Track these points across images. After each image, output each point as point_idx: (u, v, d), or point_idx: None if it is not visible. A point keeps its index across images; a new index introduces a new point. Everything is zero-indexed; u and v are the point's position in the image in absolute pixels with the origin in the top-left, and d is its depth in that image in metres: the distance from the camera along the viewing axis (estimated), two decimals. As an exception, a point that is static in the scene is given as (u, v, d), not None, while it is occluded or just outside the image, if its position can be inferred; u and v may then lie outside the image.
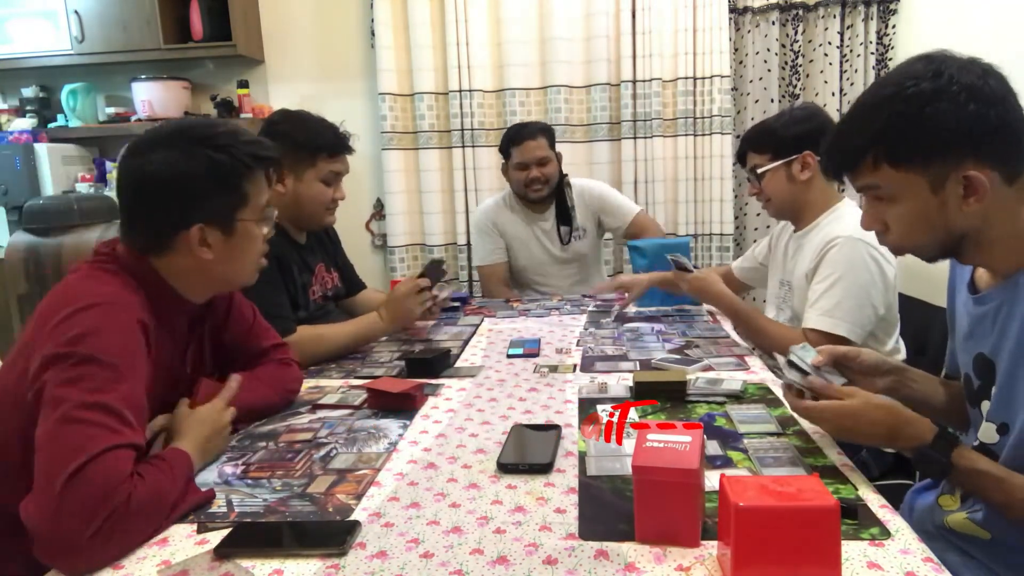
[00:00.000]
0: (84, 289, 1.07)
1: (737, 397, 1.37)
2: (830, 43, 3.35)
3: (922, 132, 0.98)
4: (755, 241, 3.54)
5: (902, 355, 1.81)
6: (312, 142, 1.86)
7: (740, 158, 1.96)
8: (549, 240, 2.76)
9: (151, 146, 1.14)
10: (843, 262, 1.67)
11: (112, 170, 3.40)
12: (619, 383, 1.50)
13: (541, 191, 2.66)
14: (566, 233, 2.73)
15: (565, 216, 2.72)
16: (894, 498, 1.02)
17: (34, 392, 0.98)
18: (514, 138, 2.63)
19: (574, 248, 2.76)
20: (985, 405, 1.08)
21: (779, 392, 1.40)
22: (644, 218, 2.79)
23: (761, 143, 1.87)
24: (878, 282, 1.68)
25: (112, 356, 1.00)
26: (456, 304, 2.38)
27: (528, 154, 2.60)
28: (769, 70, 3.42)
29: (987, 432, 1.06)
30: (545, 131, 2.66)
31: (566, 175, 2.75)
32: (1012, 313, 1.01)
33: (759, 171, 1.86)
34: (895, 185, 1.02)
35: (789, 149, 1.81)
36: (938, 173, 0.99)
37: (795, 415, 1.20)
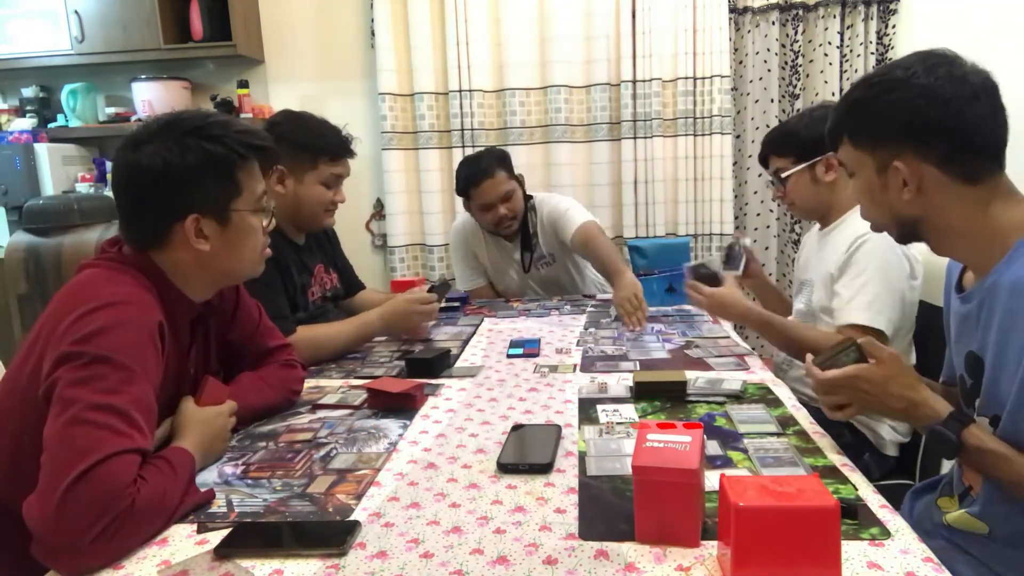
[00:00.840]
0: (99, 288, 1.07)
1: (737, 397, 1.37)
2: (830, 43, 3.35)
3: (873, 116, 1.08)
4: (755, 241, 3.56)
5: (912, 356, 1.80)
6: (314, 144, 1.85)
7: (762, 161, 1.93)
8: (522, 267, 2.64)
9: (143, 139, 1.14)
10: (876, 257, 1.64)
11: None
12: (619, 383, 1.50)
13: (511, 227, 2.50)
14: (527, 260, 2.59)
15: (527, 242, 2.57)
16: (894, 499, 1.02)
17: (45, 389, 0.98)
18: (470, 179, 2.42)
19: (543, 276, 2.64)
20: (979, 403, 1.08)
21: (779, 392, 1.40)
22: (590, 227, 2.37)
23: (783, 146, 1.83)
24: (907, 279, 1.66)
25: (125, 356, 1.00)
26: (456, 304, 2.38)
27: (490, 194, 2.41)
28: (769, 70, 3.42)
29: (982, 427, 1.07)
30: (500, 161, 2.46)
31: (531, 198, 2.57)
32: (993, 308, 1.03)
33: (783, 175, 1.83)
34: (852, 161, 1.13)
35: (812, 151, 1.77)
36: (881, 158, 1.08)
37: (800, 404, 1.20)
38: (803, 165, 1.79)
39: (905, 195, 1.06)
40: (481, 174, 2.40)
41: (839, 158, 1.17)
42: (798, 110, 3.42)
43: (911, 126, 1.04)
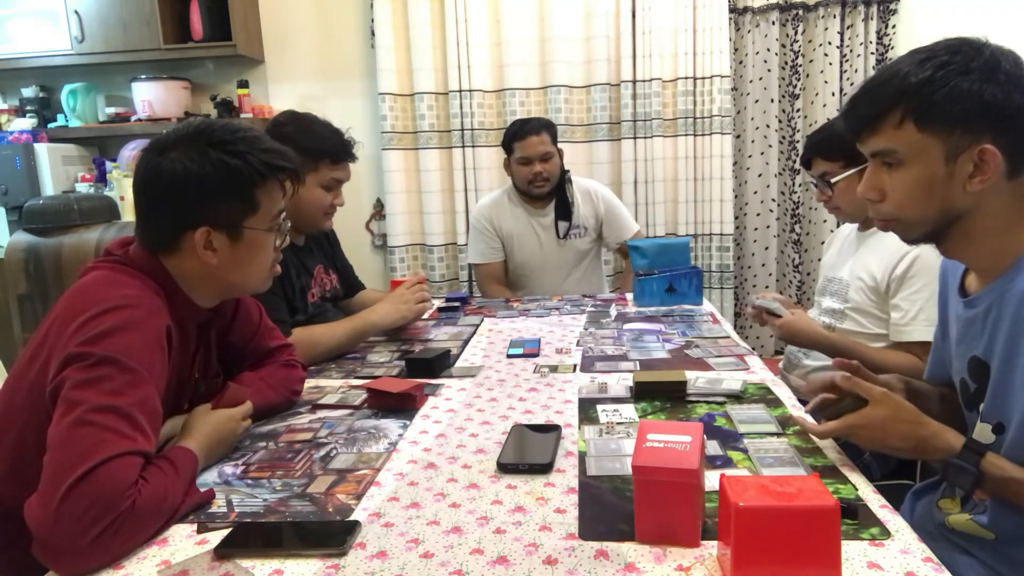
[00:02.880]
0: (109, 290, 1.07)
1: (737, 397, 1.37)
2: (830, 43, 3.36)
3: (954, 98, 0.98)
4: (755, 241, 3.56)
5: None
6: (316, 147, 1.83)
7: (805, 164, 1.89)
8: (548, 235, 2.76)
9: (170, 144, 1.14)
10: (935, 270, 1.62)
11: (112, 170, 3.41)
12: (619, 383, 1.50)
13: (544, 187, 2.67)
14: (564, 228, 2.73)
15: (565, 211, 2.73)
16: (894, 499, 1.02)
17: (51, 389, 0.98)
18: (517, 133, 2.64)
19: (573, 245, 2.76)
20: (983, 408, 1.08)
21: (779, 392, 1.40)
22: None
23: (832, 150, 1.78)
24: None
25: (132, 359, 1.00)
26: (456, 304, 2.38)
27: (531, 149, 2.61)
28: (769, 70, 3.42)
29: (982, 432, 1.07)
30: (548, 127, 2.68)
31: (567, 171, 2.75)
32: (1001, 315, 1.02)
33: (832, 180, 1.78)
34: (912, 148, 1.01)
35: (861, 155, 1.74)
36: (956, 143, 0.99)
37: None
38: (853, 171, 1.72)
39: (974, 185, 0.99)
40: (528, 130, 2.63)
41: (880, 147, 1.05)
42: (798, 110, 3.43)
43: (998, 108, 0.96)
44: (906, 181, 1.04)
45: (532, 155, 2.62)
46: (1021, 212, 1.02)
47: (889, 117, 1.02)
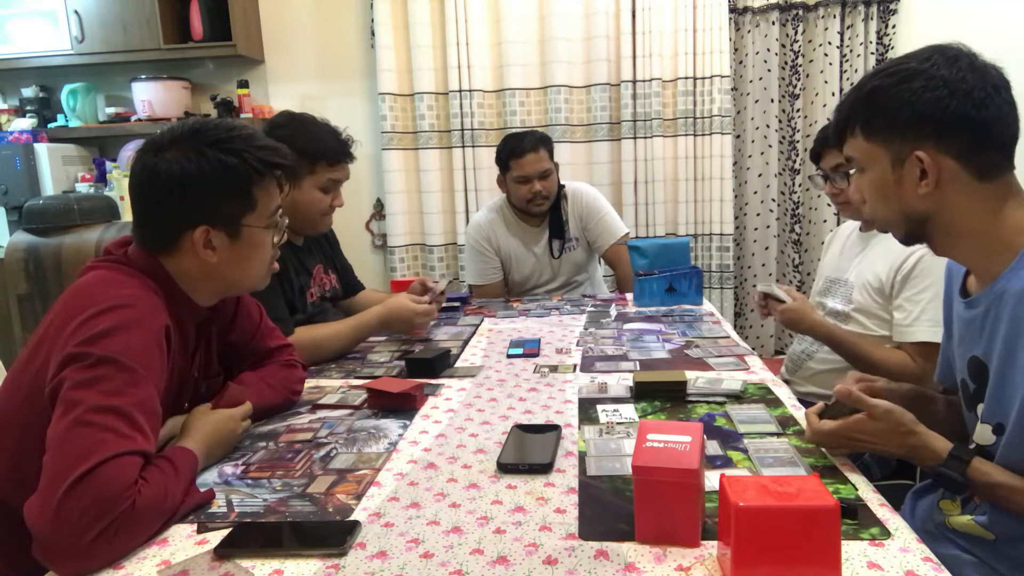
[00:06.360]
0: (107, 290, 1.07)
1: (737, 397, 1.37)
2: (830, 43, 3.36)
3: (891, 106, 1.03)
4: (755, 241, 3.56)
5: None
6: (313, 149, 1.82)
7: (815, 157, 1.88)
8: (545, 252, 2.72)
9: (165, 145, 1.14)
10: (938, 270, 1.60)
11: (112, 170, 3.41)
12: (619, 383, 1.50)
13: (543, 205, 2.60)
14: (557, 247, 2.69)
15: (558, 229, 2.67)
16: (894, 499, 1.02)
17: (50, 390, 0.98)
18: (515, 151, 2.54)
19: (569, 259, 2.73)
20: (981, 408, 1.08)
21: (779, 392, 1.40)
22: (623, 250, 2.63)
23: None
24: None
25: (131, 359, 1.00)
26: (456, 304, 2.38)
27: (529, 168, 2.52)
28: (769, 70, 3.42)
29: (983, 434, 1.07)
30: (544, 141, 2.59)
31: (563, 186, 2.69)
32: (999, 316, 1.02)
33: (851, 171, 1.80)
34: (864, 155, 1.08)
35: None
36: (899, 150, 1.03)
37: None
38: None
39: (922, 189, 1.02)
40: (525, 148, 2.53)
41: (845, 153, 1.11)
42: (798, 110, 3.43)
43: (934, 116, 0.99)
44: (867, 186, 1.10)
45: (531, 173, 2.53)
46: (1004, 211, 1.02)
47: (848, 126, 1.09)
